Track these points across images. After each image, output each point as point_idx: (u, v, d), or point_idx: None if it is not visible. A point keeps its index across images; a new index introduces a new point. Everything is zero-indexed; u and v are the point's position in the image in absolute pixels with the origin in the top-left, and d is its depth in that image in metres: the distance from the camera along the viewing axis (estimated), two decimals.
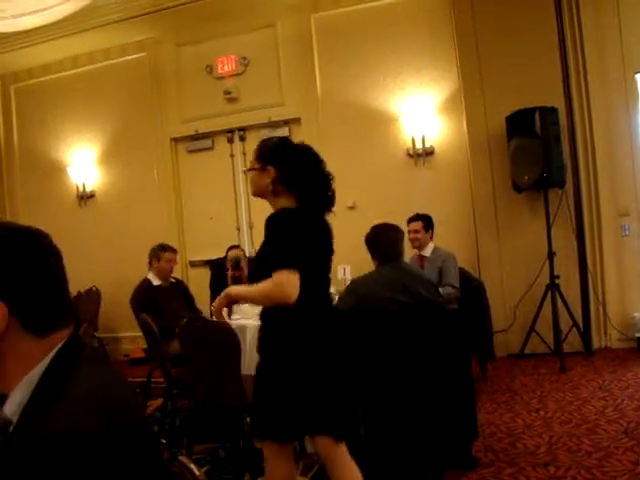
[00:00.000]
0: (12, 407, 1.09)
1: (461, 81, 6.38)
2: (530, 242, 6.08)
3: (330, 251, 2.68)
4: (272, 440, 2.56)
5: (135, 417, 1.18)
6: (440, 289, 4.82)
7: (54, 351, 1.13)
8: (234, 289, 2.62)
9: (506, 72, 6.10)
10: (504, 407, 4.57)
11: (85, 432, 0.98)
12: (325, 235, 2.65)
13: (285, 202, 2.59)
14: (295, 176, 2.58)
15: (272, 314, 2.55)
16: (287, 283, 2.37)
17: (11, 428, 1.08)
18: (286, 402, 2.48)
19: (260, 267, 2.55)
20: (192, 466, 1.36)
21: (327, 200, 2.64)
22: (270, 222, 2.55)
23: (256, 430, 2.62)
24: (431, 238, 5.34)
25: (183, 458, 1.38)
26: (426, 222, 5.30)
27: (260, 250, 2.62)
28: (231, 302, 2.62)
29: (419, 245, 5.26)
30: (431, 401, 3.38)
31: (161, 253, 5.36)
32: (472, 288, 5.20)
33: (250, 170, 2.75)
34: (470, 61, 6.28)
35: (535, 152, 5.68)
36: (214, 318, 2.76)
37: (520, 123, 5.83)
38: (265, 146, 2.72)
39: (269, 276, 2.40)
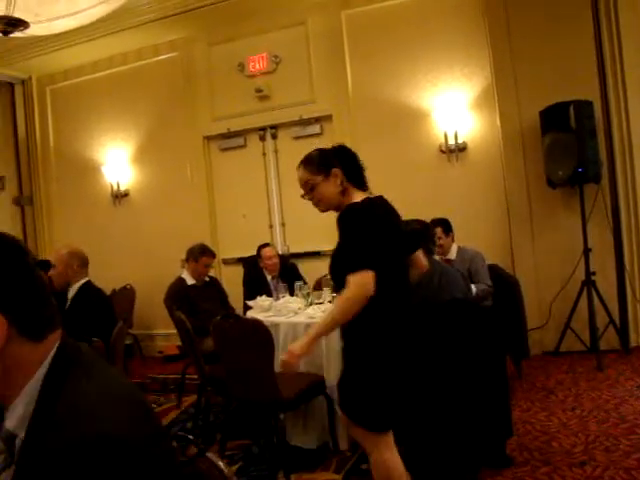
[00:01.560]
0: (14, 421, 1.08)
1: (494, 76, 6.31)
2: (565, 238, 5.99)
3: (401, 236, 2.75)
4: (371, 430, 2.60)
5: (149, 412, 1.17)
6: (473, 286, 4.79)
7: (51, 354, 1.12)
8: (312, 332, 2.59)
9: (540, 66, 6.01)
10: (539, 405, 4.52)
11: (118, 434, 0.99)
12: (395, 219, 2.76)
13: (353, 196, 2.71)
14: (351, 167, 2.75)
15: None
16: (367, 282, 2.45)
17: (17, 441, 1.07)
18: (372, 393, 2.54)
19: (337, 264, 2.67)
20: (220, 463, 1.35)
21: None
22: (340, 221, 2.63)
23: (372, 423, 2.60)
24: (452, 240, 5.29)
25: (211, 455, 1.37)
26: (445, 226, 5.22)
27: (337, 247, 2.69)
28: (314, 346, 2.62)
29: (442, 251, 5.20)
30: (465, 399, 3.36)
31: (200, 256, 5.43)
32: (506, 285, 5.15)
33: (313, 190, 2.79)
34: (503, 55, 6.20)
35: (570, 147, 5.59)
36: (281, 368, 2.68)
37: (554, 117, 5.74)
38: (315, 157, 2.80)
39: (346, 273, 2.49)
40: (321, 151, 2.83)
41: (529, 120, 6.07)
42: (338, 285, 2.64)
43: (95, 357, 1.20)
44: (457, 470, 3.40)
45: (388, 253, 2.59)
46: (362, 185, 2.77)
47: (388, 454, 2.58)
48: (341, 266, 2.57)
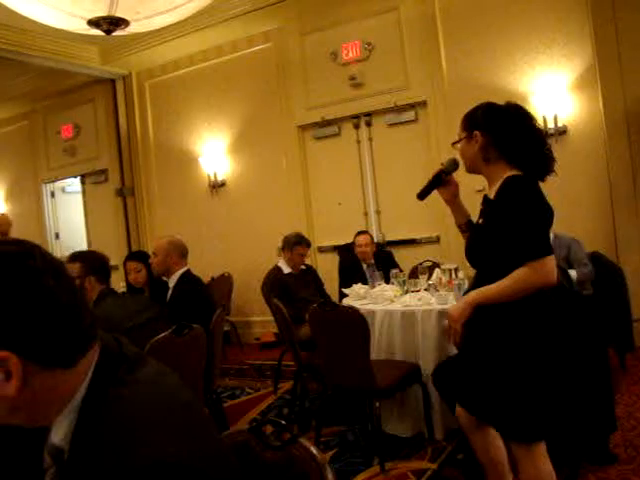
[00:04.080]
0: (60, 435, 1.02)
1: (596, 55, 6.04)
2: None
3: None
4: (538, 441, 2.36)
5: (201, 421, 1.11)
6: (573, 272, 4.64)
7: (91, 371, 1.03)
8: (477, 295, 2.36)
9: None
10: None
11: (173, 459, 0.92)
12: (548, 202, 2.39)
13: (500, 169, 2.42)
14: (504, 136, 2.40)
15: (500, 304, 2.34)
16: (551, 271, 2.24)
17: (65, 457, 1.02)
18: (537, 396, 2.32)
19: (489, 245, 2.41)
20: (313, 449, 1.36)
21: (544, 159, 2.40)
22: (505, 196, 2.35)
23: (520, 433, 2.36)
24: None
25: (304, 440, 1.38)
26: None
27: (488, 222, 2.47)
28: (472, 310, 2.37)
29: None
30: (566, 391, 3.25)
31: (295, 246, 5.49)
32: (609, 273, 4.95)
33: (456, 142, 2.56)
34: (606, 32, 5.89)
35: None
36: (450, 335, 2.43)
37: None
38: (469, 114, 2.53)
39: (496, 253, 2.31)
40: (476, 109, 2.52)
41: (635, 101, 5.78)
42: (481, 272, 2.45)
43: (141, 360, 1.11)
44: (558, 464, 3.31)
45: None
46: (519, 163, 2.39)
47: (544, 465, 2.36)
48: (498, 250, 2.34)
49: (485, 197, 2.55)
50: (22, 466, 1.15)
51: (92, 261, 3.61)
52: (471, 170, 2.56)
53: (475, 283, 2.53)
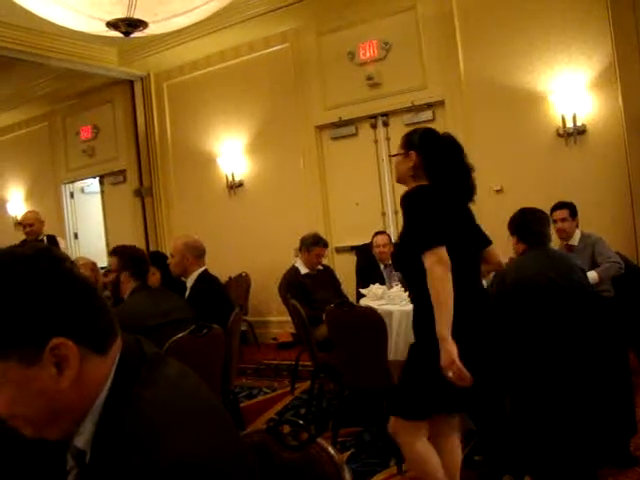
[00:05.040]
0: (84, 438, 1.03)
1: (615, 53, 5.96)
2: None
3: (475, 236, 2.75)
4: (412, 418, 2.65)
5: (222, 421, 1.10)
6: (593, 272, 4.59)
7: (114, 368, 1.05)
8: (441, 330, 2.43)
9: None
10: None
11: (195, 460, 0.93)
12: (465, 218, 2.73)
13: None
14: (435, 162, 2.69)
15: (420, 298, 2.61)
16: (442, 256, 2.46)
17: (87, 459, 1.03)
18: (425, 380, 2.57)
19: (403, 247, 2.74)
20: (330, 449, 1.35)
21: (467, 190, 2.72)
22: (405, 201, 2.67)
23: (400, 409, 2.69)
24: (577, 226, 5.08)
25: (321, 440, 1.37)
26: (571, 209, 5.04)
27: (402, 230, 2.74)
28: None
29: (566, 235, 5.01)
30: (585, 393, 3.24)
31: (312, 247, 5.49)
32: (629, 274, 4.91)
33: (394, 155, 2.88)
34: (626, 30, 5.81)
35: None
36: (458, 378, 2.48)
37: None
38: (409, 134, 2.84)
39: (413, 256, 2.53)
40: (416, 131, 2.86)
41: None
42: (404, 272, 2.81)
43: (162, 360, 1.13)
44: (576, 467, 3.29)
45: (452, 236, 2.56)
46: (439, 182, 2.68)
47: (420, 444, 2.65)
48: (408, 249, 2.61)
49: None
50: (45, 467, 1.16)
51: (127, 256, 3.66)
52: (399, 181, 2.90)
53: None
